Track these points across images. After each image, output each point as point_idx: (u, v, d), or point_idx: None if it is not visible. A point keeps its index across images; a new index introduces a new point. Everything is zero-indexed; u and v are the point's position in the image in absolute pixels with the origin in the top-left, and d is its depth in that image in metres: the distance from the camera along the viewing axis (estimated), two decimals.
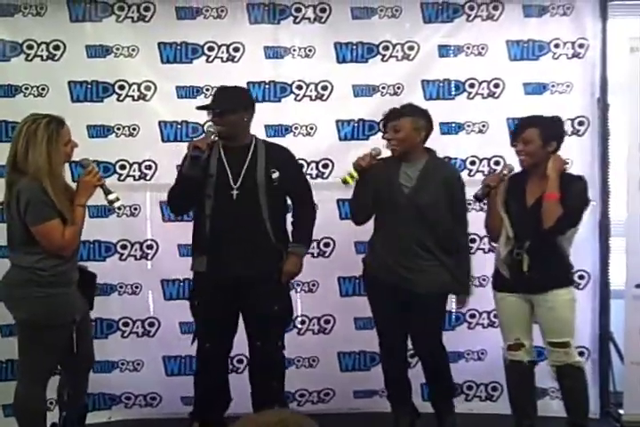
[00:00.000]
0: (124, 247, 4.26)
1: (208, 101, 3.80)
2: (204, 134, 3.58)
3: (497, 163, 4.33)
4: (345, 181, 3.69)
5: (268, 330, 3.73)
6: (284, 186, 3.70)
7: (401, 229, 3.70)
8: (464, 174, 4.11)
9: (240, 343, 3.82)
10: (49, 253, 3.29)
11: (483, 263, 4.25)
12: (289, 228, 3.80)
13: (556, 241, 3.62)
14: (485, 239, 4.32)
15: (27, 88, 4.12)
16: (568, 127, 4.15)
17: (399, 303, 3.75)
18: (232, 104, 3.62)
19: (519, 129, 3.67)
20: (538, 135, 3.59)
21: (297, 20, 4.27)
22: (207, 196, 3.62)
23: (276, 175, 3.67)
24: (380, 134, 4.25)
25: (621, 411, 4.22)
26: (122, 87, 4.20)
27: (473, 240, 4.30)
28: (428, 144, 3.86)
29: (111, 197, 3.43)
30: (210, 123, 3.66)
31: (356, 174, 3.67)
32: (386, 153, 3.77)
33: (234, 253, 3.59)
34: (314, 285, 4.33)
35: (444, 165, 3.89)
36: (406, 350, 3.92)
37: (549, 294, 3.62)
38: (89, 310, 3.56)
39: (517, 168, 3.73)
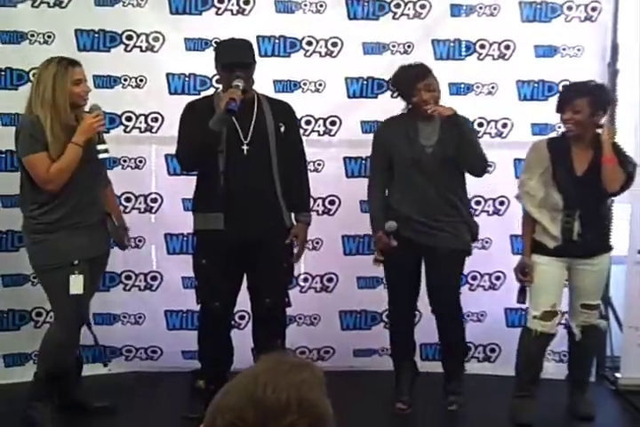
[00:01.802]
0: (127, 200, 4.22)
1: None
2: (231, 89, 3.48)
3: (504, 125, 4.32)
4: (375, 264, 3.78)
5: (279, 286, 3.74)
6: (286, 140, 3.67)
7: (426, 188, 3.70)
8: None
9: (241, 299, 3.82)
10: (40, 196, 3.40)
11: (486, 226, 4.27)
12: None
13: (605, 207, 3.70)
14: (490, 202, 4.34)
15: (32, 35, 4.04)
16: None
17: (416, 260, 3.77)
18: (253, 57, 3.60)
19: (568, 97, 3.63)
20: (587, 105, 3.58)
21: None
22: (219, 151, 3.56)
23: (283, 129, 3.65)
24: (388, 93, 4.24)
25: (618, 375, 4.26)
26: (129, 37, 4.13)
27: (478, 202, 4.32)
28: None
29: (101, 146, 3.43)
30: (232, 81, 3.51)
31: (381, 258, 3.72)
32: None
33: (249, 210, 3.56)
34: (317, 242, 4.32)
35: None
36: (415, 308, 3.93)
37: (596, 258, 3.68)
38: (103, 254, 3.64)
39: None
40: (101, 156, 3.46)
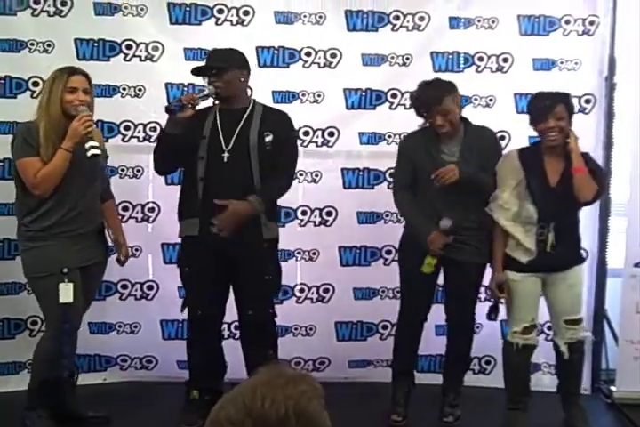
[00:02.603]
0: (125, 209, 4.22)
1: None
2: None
3: (502, 138, 4.32)
4: (426, 271, 3.66)
5: (260, 297, 3.70)
6: (274, 150, 3.61)
7: (448, 204, 3.64)
8: None
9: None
10: (31, 201, 3.41)
11: None
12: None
13: (577, 218, 3.66)
14: None
15: (32, 44, 4.05)
16: (575, 105, 4.13)
17: (436, 274, 3.74)
18: (225, 62, 3.58)
19: (548, 105, 3.56)
20: (565, 111, 3.57)
21: None
22: (200, 158, 3.56)
23: (269, 138, 3.60)
24: (386, 104, 4.25)
25: (613, 388, 4.26)
26: (129, 47, 4.15)
27: None
28: None
29: (88, 144, 3.28)
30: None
31: (434, 261, 3.64)
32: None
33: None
34: (314, 253, 4.33)
35: (482, 132, 3.81)
36: (424, 321, 3.89)
37: (569, 271, 3.65)
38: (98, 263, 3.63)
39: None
40: (90, 152, 3.29)
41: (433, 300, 3.85)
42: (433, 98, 3.61)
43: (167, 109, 3.44)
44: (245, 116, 3.63)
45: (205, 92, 3.52)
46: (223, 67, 3.55)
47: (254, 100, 3.72)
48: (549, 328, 4.01)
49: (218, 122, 3.61)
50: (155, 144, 3.74)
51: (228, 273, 3.66)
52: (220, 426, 1.22)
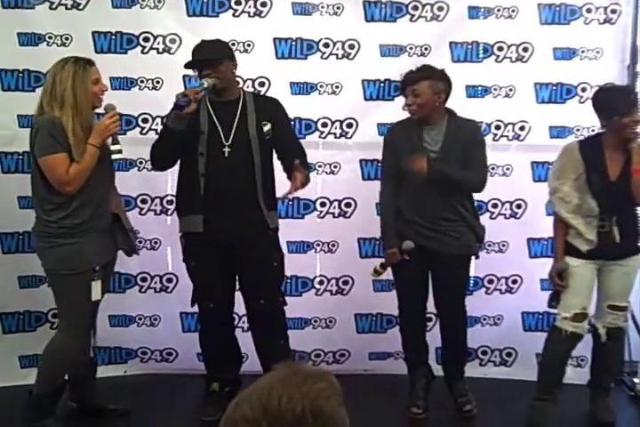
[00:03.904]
0: (143, 202, 4.22)
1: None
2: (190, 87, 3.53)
3: (522, 128, 4.29)
4: (373, 276, 3.86)
5: (269, 286, 3.72)
6: (275, 139, 3.63)
7: (428, 193, 3.68)
8: (488, 138, 4.09)
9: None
10: (56, 198, 3.33)
11: (502, 229, 4.26)
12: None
13: (637, 210, 3.68)
14: (507, 205, 4.31)
15: (50, 37, 4.04)
16: None
17: (424, 265, 3.76)
18: (218, 54, 3.57)
19: (636, 98, 3.62)
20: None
21: None
22: (200, 153, 3.56)
23: (267, 128, 3.62)
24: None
25: (636, 380, 4.23)
26: (146, 39, 4.13)
27: (495, 205, 4.30)
28: (454, 107, 3.83)
29: (114, 147, 3.38)
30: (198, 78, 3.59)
31: (382, 271, 3.79)
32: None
33: (228, 212, 3.55)
34: (333, 245, 4.31)
35: (465, 125, 3.82)
36: (425, 312, 3.92)
37: (627, 259, 3.67)
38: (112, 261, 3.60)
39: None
40: (114, 156, 3.42)
41: (428, 291, 3.85)
42: (410, 78, 3.68)
43: (176, 105, 3.42)
44: (240, 107, 3.62)
45: (205, 85, 3.50)
46: (217, 58, 3.55)
47: (242, 89, 3.73)
48: None
49: (214, 116, 3.60)
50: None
51: (234, 266, 3.67)
52: (235, 425, 1.21)
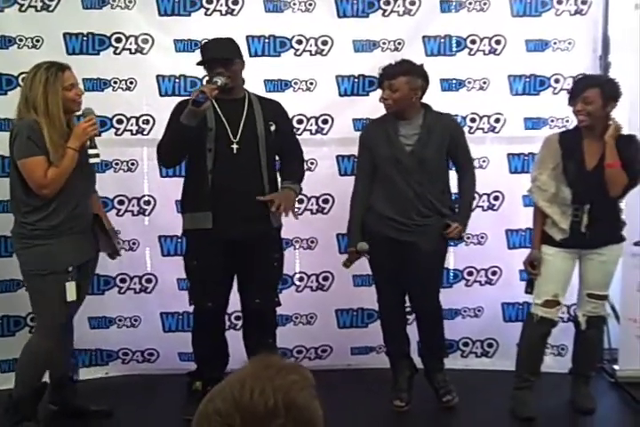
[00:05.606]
0: (121, 203, 4.21)
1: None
2: (206, 84, 3.53)
3: (497, 120, 4.31)
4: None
5: (267, 285, 3.74)
6: (278, 139, 3.67)
7: (403, 187, 3.71)
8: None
9: (237, 300, 3.82)
10: (34, 200, 3.35)
11: (481, 221, 4.27)
12: None
13: (616, 201, 3.71)
14: (485, 197, 4.34)
15: (21, 39, 4.01)
16: (569, 85, 4.11)
17: (398, 259, 3.77)
18: (232, 53, 3.60)
19: (579, 88, 3.63)
20: (599, 95, 3.57)
21: None
22: (208, 150, 3.56)
23: (273, 128, 3.66)
24: (380, 90, 4.21)
25: (616, 367, 4.26)
26: (119, 40, 4.11)
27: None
28: (428, 101, 3.84)
29: (92, 151, 3.40)
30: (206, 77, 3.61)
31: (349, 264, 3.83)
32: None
33: (236, 209, 3.55)
34: (312, 242, 4.32)
35: (441, 118, 3.84)
36: (404, 305, 3.94)
37: (604, 248, 3.71)
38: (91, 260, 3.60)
39: None
40: (92, 160, 3.44)
41: (405, 285, 3.86)
42: (389, 73, 3.70)
43: (194, 101, 3.41)
44: (246, 106, 3.64)
45: (219, 83, 3.49)
46: (231, 57, 3.57)
47: (247, 90, 3.73)
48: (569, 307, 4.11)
49: (220, 113, 3.61)
50: (157, 138, 3.73)
51: (236, 264, 3.67)
52: (208, 419, 1.21)
